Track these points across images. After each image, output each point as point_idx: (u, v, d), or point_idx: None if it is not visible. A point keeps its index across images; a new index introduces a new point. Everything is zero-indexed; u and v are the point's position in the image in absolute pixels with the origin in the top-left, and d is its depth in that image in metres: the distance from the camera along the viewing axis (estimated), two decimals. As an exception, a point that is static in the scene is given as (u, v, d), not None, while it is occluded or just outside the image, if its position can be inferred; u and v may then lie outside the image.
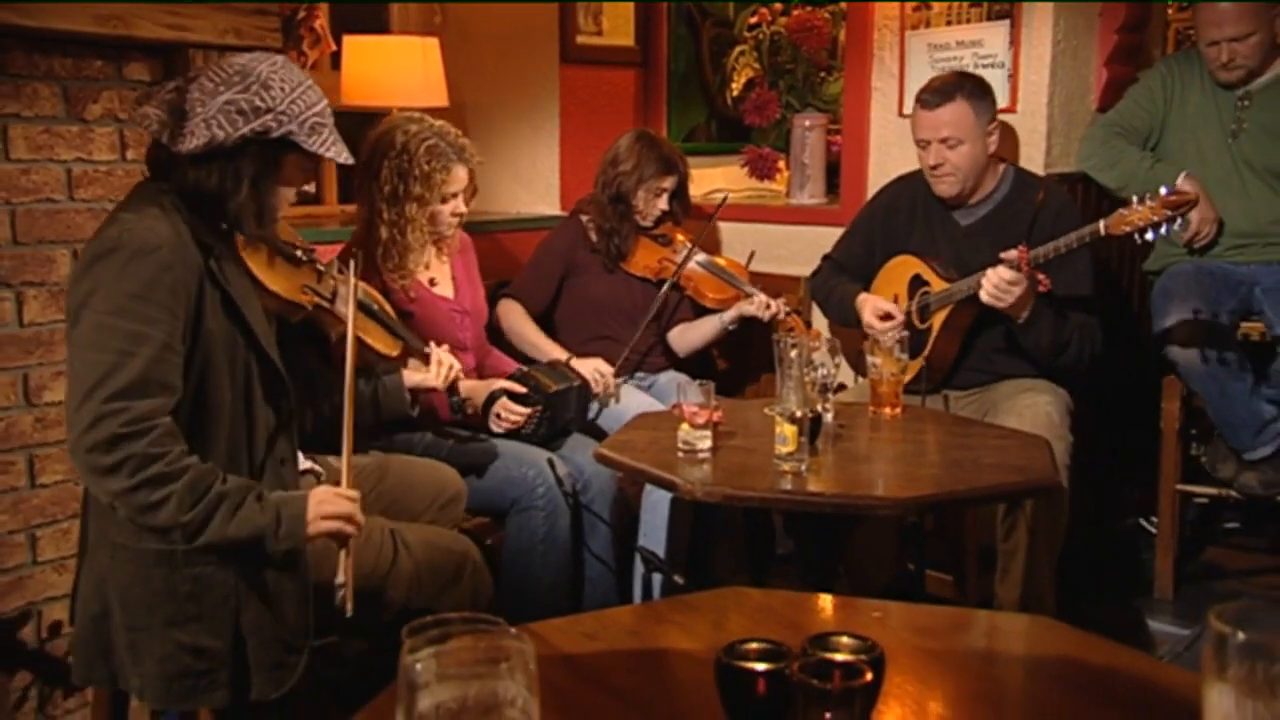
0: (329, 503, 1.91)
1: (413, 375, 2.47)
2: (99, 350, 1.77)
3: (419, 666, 0.92)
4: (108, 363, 1.75)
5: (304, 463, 2.25)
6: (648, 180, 3.30)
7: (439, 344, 2.60)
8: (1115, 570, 3.35)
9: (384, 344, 2.39)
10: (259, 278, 2.01)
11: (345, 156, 1.99)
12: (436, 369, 2.52)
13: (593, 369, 3.06)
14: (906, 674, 1.26)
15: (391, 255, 2.74)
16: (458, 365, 2.57)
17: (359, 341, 2.15)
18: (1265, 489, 3.06)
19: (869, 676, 1.11)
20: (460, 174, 2.80)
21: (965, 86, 2.86)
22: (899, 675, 1.20)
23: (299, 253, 2.13)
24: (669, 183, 3.34)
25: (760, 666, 1.17)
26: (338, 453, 2.04)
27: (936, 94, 2.86)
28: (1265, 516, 3.37)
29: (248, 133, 1.86)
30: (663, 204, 3.35)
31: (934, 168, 2.89)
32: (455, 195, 2.82)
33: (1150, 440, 3.25)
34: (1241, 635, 0.87)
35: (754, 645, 1.21)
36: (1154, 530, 3.30)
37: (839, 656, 1.16)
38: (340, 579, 1.93)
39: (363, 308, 2.30)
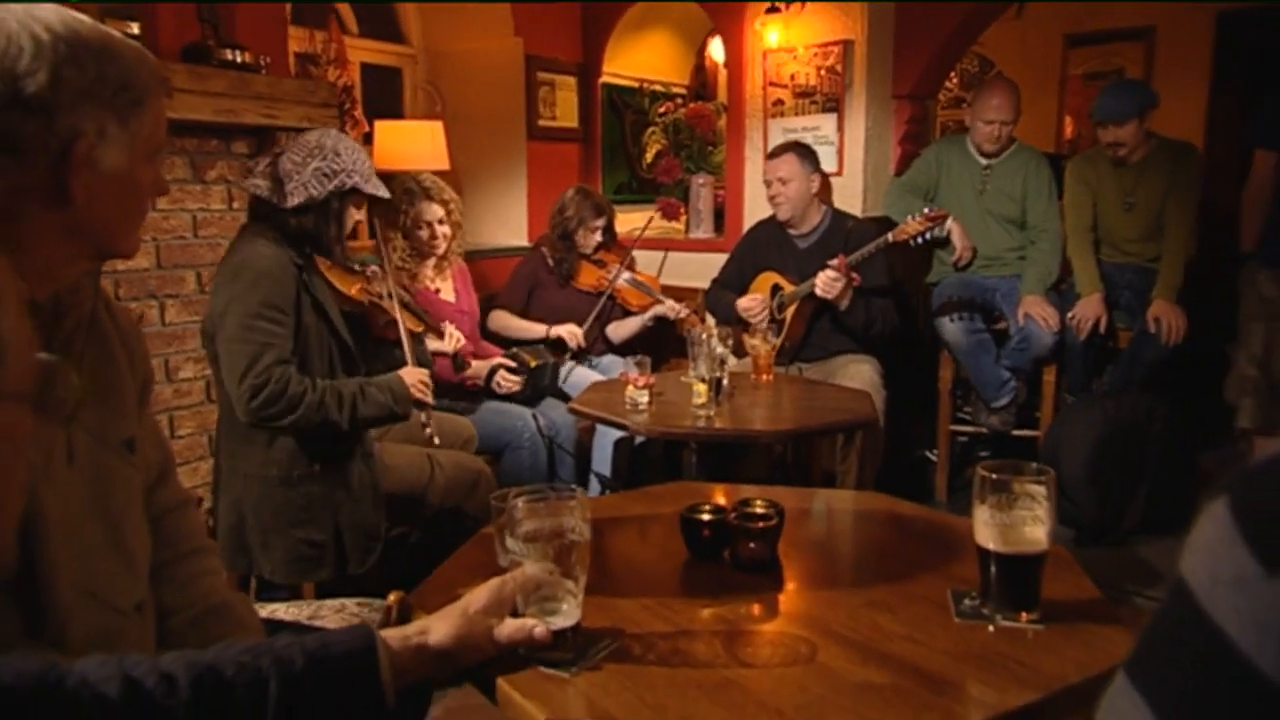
0: (413, 375, 2.03)
1: (432, 343, 2.55)
2: (245, 344, 1.80)
3: (519, 504, 1.07)
4: (252, 352, 1.79)
5: None
6: (586, 221, 3.35)
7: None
8: (910, 484, 3.41)
9: (413, 323, 2.39)
10: (334, 284, 2.03)
11: (385, 193, 2.06)
12: (448, 338, 2.65)
13: (568, 331, 3.17)
14: (791, 523, 1.36)
15: (408, 261, 2.91)
16: (462, 338, 2.71)
17: (398, 321, 2.21)
18: (1004, 426, 3.24)
19: (776, 521, 1.28)
20: (431, 207, 2.91)
21: (795, 148, 3.06)
22: (787, 524, 1.34)
23: (356, 266, 2.15)
24: (601, 221, 3.39)
25: (709, 517, 1.31)
26: None
27: (777, 149, 3.08)
28: (1005, 445, 3.40)
29: (333, 188, 1.92)
30: (597, 237, 3.39)
31: (772, 197, 3.06)
32: (430, 222, 2.91)
33: (931, 396, 3.38)
34: (994, 476, 1.07)
35: (702, 506, 1.34)
36: (934, 458, 3.43)
37: (758, 510, 1.30)
38: (428, 425, 2.11)
39: (399, 300, 2.37)
